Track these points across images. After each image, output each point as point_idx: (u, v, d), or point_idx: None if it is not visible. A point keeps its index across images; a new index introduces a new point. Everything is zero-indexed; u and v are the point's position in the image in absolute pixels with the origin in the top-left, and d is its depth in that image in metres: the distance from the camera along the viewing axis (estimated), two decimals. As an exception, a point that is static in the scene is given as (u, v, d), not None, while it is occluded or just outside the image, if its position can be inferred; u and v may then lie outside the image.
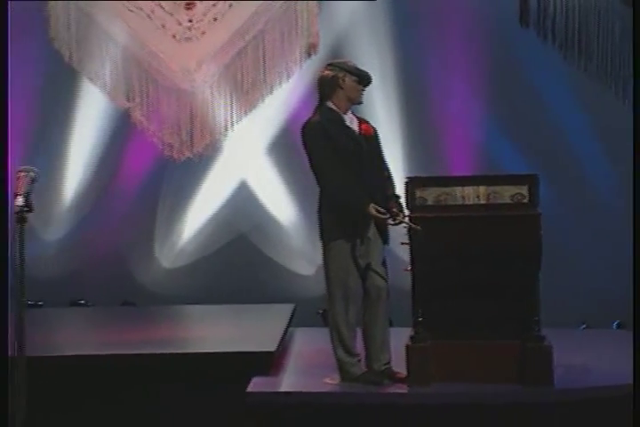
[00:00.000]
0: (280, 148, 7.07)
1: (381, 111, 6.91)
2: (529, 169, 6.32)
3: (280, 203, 7.20)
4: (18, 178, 2.64)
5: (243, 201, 7.17)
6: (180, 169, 7.06)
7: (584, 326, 6.61)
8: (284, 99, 6.91)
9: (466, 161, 7.00)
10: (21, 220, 2.58)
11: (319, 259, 7.30)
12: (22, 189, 2.61)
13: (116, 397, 4.77)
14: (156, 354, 4.96)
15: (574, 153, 6.86)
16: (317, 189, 7.22)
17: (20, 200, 2.58)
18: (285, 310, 6.23)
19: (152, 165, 7.07)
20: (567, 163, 6.84)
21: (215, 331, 5.82)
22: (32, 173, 2.65)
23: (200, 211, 7.20)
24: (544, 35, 6.39)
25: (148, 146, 6.98)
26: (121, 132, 7.01)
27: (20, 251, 2.52)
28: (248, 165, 7.14)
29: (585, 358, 5.13)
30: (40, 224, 7.02)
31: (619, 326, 6.61)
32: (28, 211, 2.59)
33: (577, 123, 6.82)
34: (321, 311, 6.95)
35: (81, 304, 7.03)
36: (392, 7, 6.94)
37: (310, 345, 5.76)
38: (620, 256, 6.07)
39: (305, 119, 7.21)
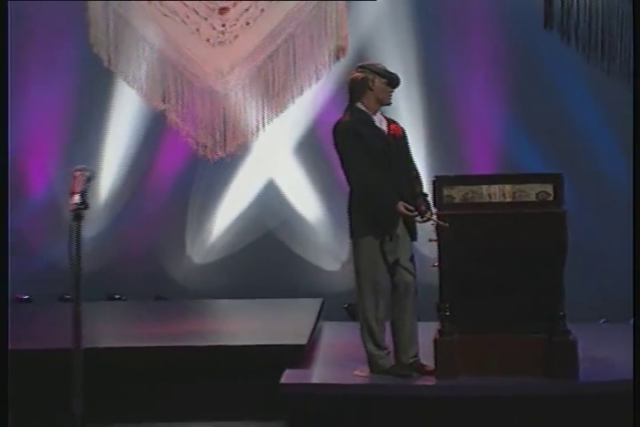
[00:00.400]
0: (306, 148, 7.06)
1: (404, 112, 6.87)
2: (548, 168, 6.31)
3: (306, 201, 7.18)
4: (74, 177, 2.64)
5: (270, 199, 7.15)
6: (210, 169, 7.06)
7: (603, 320, 6.54)
8: (309, 100, 6.89)
9: (486, 160, 6.96)
10: (78, 217, 2.60)
11: (344, 255, 7.39)
12: (79, 188, 2.61)
13: (155, 386, 4.79)
14: (193, 346, 4.98)
15: (593, 152, 6.79)
16: (342, 188, 7.23)
17: (76, 198, 2.58)
18: (314, 305, 6.22)
19: (183, 165, 7.06)
20: (586, 162, 6.77)
21: (246, 325, 5.81)
22: (87, 173, 2.66)
23: (229, 209, 7.19)
24: (567, 37, 6.33)
25: (179, 146, 6.97)
26: (153, 133, 7.00)
27: (77, 247, 2.54)
28: (275, 164, 7.12)
29: (607, 351, 5.08)
30: (77, 222, 7.05)
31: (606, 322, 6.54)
32: (84, 208, 2.59)
33: (596, 122, 6.75)
34: (346, 306, 6.97)
35: (116, 299, 7.04)
36: (415, 10, 6.89)
37: (338, 338, 5.75)
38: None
39: (330, 120, 7.16)
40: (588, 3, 6.30)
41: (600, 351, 5.01)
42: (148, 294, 7.05)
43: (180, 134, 6.69)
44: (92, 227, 7.09)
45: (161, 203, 7.07)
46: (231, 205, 7.18)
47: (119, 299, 7.05)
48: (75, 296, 2.54)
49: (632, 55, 5.82)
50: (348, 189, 7.19)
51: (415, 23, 6.89)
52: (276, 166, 7.12)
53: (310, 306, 6.21)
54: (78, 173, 2.62)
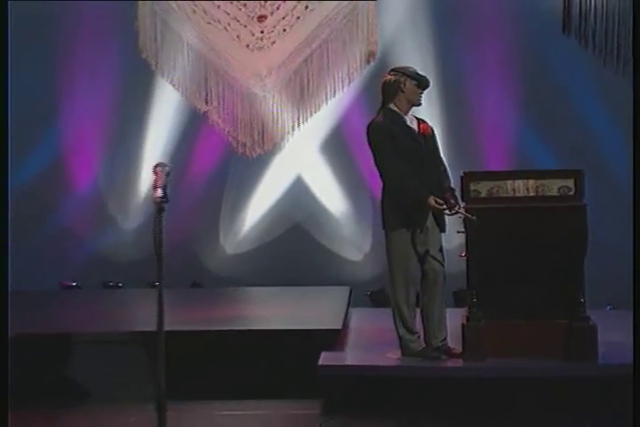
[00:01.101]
0: (332, 146, 7.05)
1: (423, 111, 6.85)
2: (559, 165, 6.28)
3: (331, 195, 7.18)
4: (155, 173, 2.64)
5: (298, 194, 7.15)
6: (242, 166, 7.05)
7: (609, 307, 6.52)
8: (334, 101, 6.88)
9: (499, 156, 6.92)
10: (160, 209, 2.60)
11: (367, 246, 7.40)
12: (160, 183, 2.60)
13: (201, 368, 4.81)
14: (237, 330, 4.99)
15: (602, 150, 6.74)
16: (364, 183, 7.27)
17: (159, 192, 2.58)
18: (343, 292, 6.20)
19: (217, 163, 7.05)
20: (595, 159, 6.73)
21: (281, 311, 5.80)
22: (167, 168, 2.65)
23: (260, 203, 7.18)
24: (585, 42, 6.27)
25: (213, 145, 6.97)
26: (190, 132, 6.99)
27: (159, 237, 2.53)
28: (303, 162, 7.11)
29: (620, 336, 4.94)
30: (120, 215, 7.08)
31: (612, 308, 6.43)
32: (165, 201, 2.59)
33: (605, 122, 6.70)
34: (369, 293, 6.97)
35: (156, 286, 7.01)
36: (433, 15, 6.84)
37: (365, 324, 5.74)
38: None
39: (354, 120, 7.17)
40: (604, 9, 6.25)
41: (613, 336, 4.92)
42: (185, 281, 7.05)
43: (221, 134, 6.68)
44: (134, 219, 7.12)
45: (197, 198, 7.06)
46: (262, 199, 7.17)
47: (120, 286, 7.00)
48: (158, 282, 2.53)
49: (632, 55, 5.73)
50: (369, 184, 7.28)
51: (433, 28, 6.86)
52: (303, 164, 7.11)
53: (339, 294, 6.20)
54: (159, 168, 2.62)
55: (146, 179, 7.10)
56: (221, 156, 7.02)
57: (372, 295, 6.88)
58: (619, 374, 4.49)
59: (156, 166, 2.62)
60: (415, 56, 6.77)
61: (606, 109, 6.68)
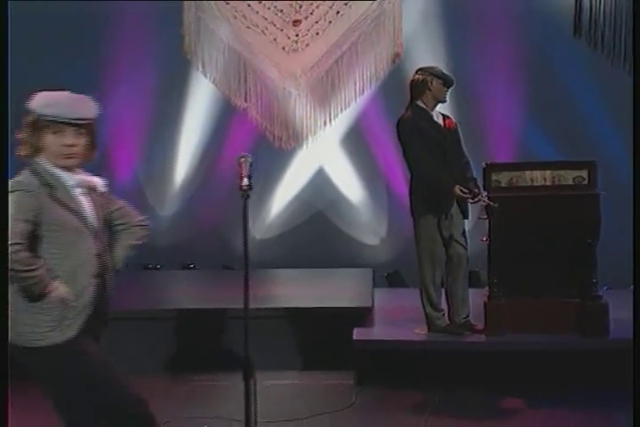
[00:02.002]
0: (351, 140, 7.04)
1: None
2: (560, 158, 6.27)
3: (350, 185, 7.17)
4: (240, 164, 2.64)
5: (320, 184, 7.15)
6: (269, 158, 7.03)
7: (606, 287, 6.49)
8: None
9: (506, 149, 6.90)
10: (246, 196, 2.59)
11: (383, 231, 7.41)
12: (245, 172, 2.60)
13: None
14: (275, 308, 5.00)
15: (600, 143, 6.65)
16: (381, 174, 7.27)
17: (245, 181, 2.57)
18: (366, 274, 6.21)
19: (248, 148, 7.00)
20: (594, 151, 6.70)
21: (310, 290, 5.82)
22: (249, 159, 2.65)
23: (285, 192, 7.18)
24: (594, 44, 6.21)
25: (243, 138, 6.91)
26: (221, 127, 6.98)
27: (245, 221, 2.51)
28: (324, 154, 7.10)
29: (624, 313, 4.80)
30: (156, 202, 7.07)
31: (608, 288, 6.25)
32: (249, 189, 2.59)
33: (604, 118, 6.66)
34: (386, 275, 6.98)
35: (190, 268, 7.05)
36: (445, 19, 6.79)
37: (387, 303, 5.72)
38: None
39: (372, 116, 7.14)
40: (613, 13, 6.19)
41: (618, 313, 4.85)
42: (216, 264, 7.06)
43: (249, 128, 6.65)
44: (169, 206, 7.13)
45: (227, 187, 7.02)
46: (287, 189, 7.17)
47: (193, 268, 7.06)
48: (244, 264, 2.53)
49: (632, 55, 5.68)
50: (385, 175, 7.29)
51: (445, 30, 6.81)
52: (325, 156, 7.10)
53: (362, 275, 6.21)
54: (243, 159, 2.62)
55: (180, 170, 7.13)
56: (250, 148, 6.99)
57: (389, 277, 6.91)
58: (627, 347, 4.51)
59: (240, 158, 2.62)
60: (428, 56, 6.75)
61: (607, 108, 6.64)
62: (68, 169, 2.57)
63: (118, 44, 6.65)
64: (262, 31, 6.37)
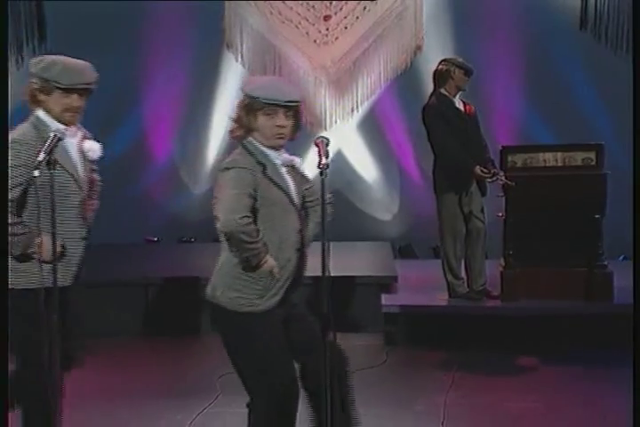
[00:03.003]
0: (367, 124, 7.03)
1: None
2: (556, 139, 6.21)
3: (366, 166, 7.18)
4: (317, 144, 2.60)
5: (338, 165, 7.09)
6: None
7: (623, 256, 6.16)
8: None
9: (507, 134, 6.89)
10: (325, 175, 2.49)
11: (395, 208, 7.43)
12: (323, 152, 2.57)
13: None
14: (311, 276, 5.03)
15: (593, 129, 6.55)
16: (394, 155, 7.27)
17: (324, 160, 2.53)
18: (385, 247, 6.26)
19: None
20: (589, 137, 6.72)
21: (337, 261, 5.79)
22: (326, 141, 2.62)
23: (307, 172, 7.17)
24: (599, 37, 6.25)
25: None
26: None
27: (323, 198, 2.45)
28: (343, 137, 7.09)
29: (621, 282, 4.90)
30: (190, 181, 7.10)
31: (624, 258, 6.30)
32: (327, 167, 2.51)
33: (597, 106, 6.66)
34: (399, 247, 7.02)
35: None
36: (454, 17, 6.70)
37: (404, 272, 5.75)
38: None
39: (385, 102, 7.11)
40: (617, 8, 6.23)
41: (622, 281, 4.72)
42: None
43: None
44: (202, 185, 7.14)
45: None
46: (308, 170, 7.15)
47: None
48: (322, 234, 2.50)
49: (632, 55, 5.68)
50: (397, 157, 7.30)
51: (453, 28, 6.75)
52: (343, 140, 7.10)
53: (382, 247, 6.25)
54: (319, 140, 2.61)
55: (212, 151, 7.12)
56: None
57: (401, 249, 6.96)
58: (629, 312, 4.55)
59: (318, 139, 2.60)
60: (437, 48, 6.75)
61: (601, 95, 6.63)
62: (275, 149, 2.60)
63: (159, 34, 6.62)
64: (296, 26, 6.43)
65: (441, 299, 4.82)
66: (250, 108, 2.54)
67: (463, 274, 4.82)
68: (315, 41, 6.56)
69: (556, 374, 4.16)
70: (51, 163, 2.46)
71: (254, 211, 2.48)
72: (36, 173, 2.41)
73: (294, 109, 2.58)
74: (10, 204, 2.58)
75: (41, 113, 2.69)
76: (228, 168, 2.50)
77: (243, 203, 2.44)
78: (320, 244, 2.39)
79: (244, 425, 3.42)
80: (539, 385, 3.99)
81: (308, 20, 6.48)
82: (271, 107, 2.52)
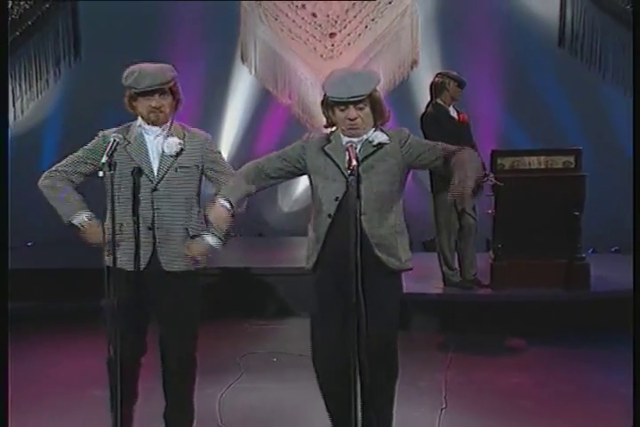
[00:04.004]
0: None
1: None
2: (533, 144, 6.30)
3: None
4: (347, 149, 2.55)
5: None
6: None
7: (591, 250, 6.14)
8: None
9: (489, 138, 6.93)
10: (356, 175, 2.48)
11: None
12: (353, 155, 2.51)
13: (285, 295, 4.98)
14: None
15: (566, 135, 6.66)
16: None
17: (354, 162, 2.47)
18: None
19: (279, 138, 7.00)
20: (560, 141, 6.73)
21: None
22: (355, 145, 2.61)
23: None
24: (575, 53, 6.35)
25: (276, 125, 6.90)
26: (259, 115, 6.98)
27: (353, 196, 2.45)
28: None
29: (604, 272, 5.07)
30: (203, 180, 7.08)
31: (616, 251, 6.42)
32: (357, 168, 2.52)
33: (571, 113, 6.73)
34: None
35: (231, 236, 7.04)
36: (441, 32, 6.78)
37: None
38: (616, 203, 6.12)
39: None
40: (591, 27, 6.35)
41: (598, 271, 4.97)
42: (251, 232, 7.11)
43: (281, 118, 6.74)
44: (211, 188, 7.13)
45: None
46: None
47: (233, 236, 7.04)
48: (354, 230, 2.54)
49: (632, 55, 5.68)
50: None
51: (441, 41, 6.81)
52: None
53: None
54: (349, 145, 2.60)
55: (224, 152, 7.05)
56: (282, 133, 6.96)
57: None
58: (605, 298, 4.73)
59: (348, 144, 2.59)
60: (427, 62, 6.80)
61: (572, 104, 6.69)
62: (354, 136, 2.61)
63: (178, 48, 6.61)
64: (304, 42, 6.53)
65: (436, 287, 4.88)
66: (326, 103, 2.58)
67: (456, 265, 4.89)
68: (321, 55, 6.65)
69: (541, 353, 4.24)
70: (111, 164, 2.54)
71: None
72: (100, 173, 2.49)
73: (364, 102, 2.52)
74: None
75: (139, 119, 2.74)
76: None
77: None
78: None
79: (266, 399, 3.56)
80: (526, 364, 4.08)
81: (315, 37, 6.58)
82: (341, 103, 2.51)
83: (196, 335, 2.78)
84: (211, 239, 2.74)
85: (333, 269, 2.54)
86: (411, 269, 2.71)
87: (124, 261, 2.68)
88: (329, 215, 2.56)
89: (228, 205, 2.55)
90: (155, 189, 2.69)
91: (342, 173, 2.53)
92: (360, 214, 2.50)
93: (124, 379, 2.60)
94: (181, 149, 2.72)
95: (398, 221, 2.62)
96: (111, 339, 2.57)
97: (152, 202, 2.68)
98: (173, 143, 2.71)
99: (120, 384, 2.57)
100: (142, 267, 2.70)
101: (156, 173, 2.70)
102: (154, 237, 2.69)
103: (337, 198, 2.55)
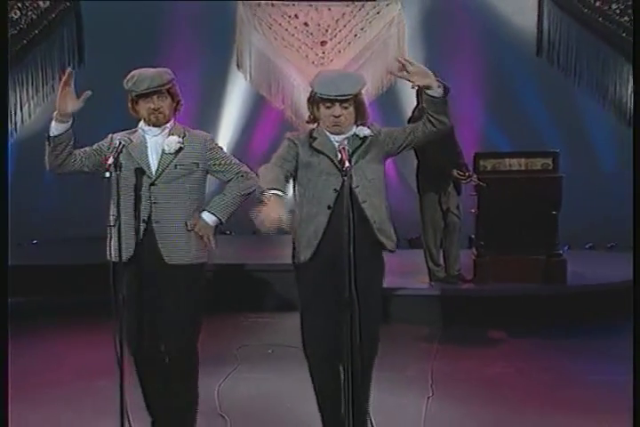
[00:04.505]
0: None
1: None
2: (511, 149, 6.30)
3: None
4: (340, 151, 2.54)
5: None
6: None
7: (567, 246, 6.18)
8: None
9: (471, 142, 6.97)
10: (349, 175, 2.47)
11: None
12: (346, 157, 2.50)
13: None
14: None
15: (542, 138, 6.73)
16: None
17: (346, 163, 2.45)
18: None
19: (273, 139, 6.97)
20: (537, 144, 6.75)
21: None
22: (347, 147, 2.62)
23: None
24: (552, 61, 6.45)
25: (269, 128, 6.92)
26: (253, 120, 7.02)
27: (346, 195, 2.45)
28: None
29: (580, 267, 5.14)
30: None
31: (590, 248, 6.52)
32: (350, 169, 2.49)
33: (545, 117, 6.81)
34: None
35: (227, 234, 6.99)
36: (426, 41, 6.86)
37: (387, 260, 5.83)
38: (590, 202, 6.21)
39: (371, 116, 7.21)
40: (566, 39, 6.45)
41: (574, 267, 5.02)
42: (245, 230, 7.07)
43: (274, 122, 6.76)
44: (211, 184, 7.12)
45: (254, 168, 7.01)
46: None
47: (229, 234, 7.04)
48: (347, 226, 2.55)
49: (632, 56, 5.58)
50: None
51: (426, 51, 6.87)
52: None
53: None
54: (342, 147, 2.56)
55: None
56: (275, 137, 6.96)
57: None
58: (580, 292, 4.79)
59: (340, 146, 2.58)
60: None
61: (548, 110, 6.76)
62: (337, 133, 2.63)
63: (176, 55, 6.62)
64: (297, 49, 6.59)
65: (423, 282, 4.92)
66: (313, 100, 2.60)
67: (441, 261, 4.92)
68: (313, 62, 6.71)
69: (521, 344, 4.29)
70: (117, 165, 2.55)
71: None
72: (107, 174, 2.50)
73: (349, 102, 2.55)
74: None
75: (141, 121, 2.75)
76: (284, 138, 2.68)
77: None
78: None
79: (262, 388, 3.58)
80: (507, 354, 4.12)
81: (307, 45, 6.64)
82: (327, 100, 2.54)
83: (196, 325, 2.77)
84: (206, 216, 2.71)
85: (330, 260, 2.56)
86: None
87: (127, 255, 2.68)
88: (328, 206, 2.59)
89: (280, 193, 2.49)
90: (153, 184, 2.70)
91: (337, 166, 2.57)
92: (361, 203, 2.56)
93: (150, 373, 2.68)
94: (180, 148, 2.72)
95: (387, 204, 2.70)
96: (120, 331, 2.57)
97: (150, 196, 2.69)
98: (173, 141, 2.72)
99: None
100: (144, 260, 2.71)
101: (154, 170, 2.71)
102: (152, 231, 2.70)
103: (335, 190, 2.59)
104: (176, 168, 2.70)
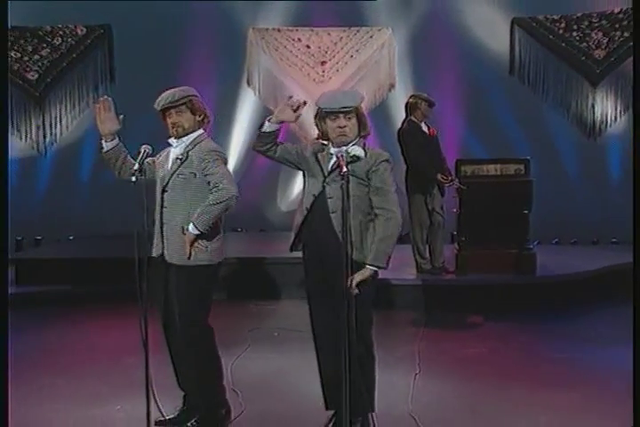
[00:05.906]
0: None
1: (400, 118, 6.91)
2: (487, 154, 6.33)
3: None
4: (339, 157, 2.49)
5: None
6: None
7: (536, 242, 6.01)
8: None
9: (452, 151, 6.92)
10: (347, 179, 2.40)
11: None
12: (344, 162, 2.42)
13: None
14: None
15: (516, 147, 6.62)
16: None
17: (344, 168, 2.36)
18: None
19: None
20: (509, 149, 6.52)
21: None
22: (345, 154, 2.56)
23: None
24: (522, 80, 6.46)
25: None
26: None
27: (344, 198, 2.38)
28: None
29: (542, 260, 5.03)
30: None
31: (557, 243, 6.45)
32: (348, 174, 2.42)
33: (520, 130, 6.76)
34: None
35: (238, 231, 7.08)
36: (413, 59, 6.79)
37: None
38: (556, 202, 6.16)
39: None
40: (535, 60, 6.46)
41: (542, 260, 4.95)
42: (254, 228, 7.10)
43: (297, 136, 6.64)
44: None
45: (263, 171, 6.95)
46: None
47: (240, 231, 7.04)
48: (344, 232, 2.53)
49: (633, 56, 5.32)
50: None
51: (413, 70, 6.83)
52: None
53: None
54: (340, 154, 2.47)
55: (231, 162, 7.03)
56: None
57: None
58: (548, 281, 4.77)
59: (338, 153, 2.50)
60: (400, 86, 6.81)
61: (519, 121, 6.71)
62: (343, 144, 2.59)
63: (195, 70, 6.59)
64: (300, 68, 6.57)
65: (411, 274, 4.90)
66: (320, 115, 2.61)
67: (427, 255, 4.91)
68: (314, 80, 6.69)
69: (496, 328, 4.29)
70: (142, 171, 2.54)
71: None
72: (133, 178, 2.48)
73: (351, 113, 2.55)
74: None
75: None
76: None
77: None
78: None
79: (269, 367, 3.58)
80: (484, 336, 4.13)
81: (309, 65, 6.63)
82: (331, 113, 2.54)
83: (198, 311, 2.72)
84: (190, 227, 2.66)
85: (315, 255, 2.58)
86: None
87: (154, 251, 2.73)
88: (306, 208, 2.60)
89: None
90: (164, 191, 2.71)
91: (323, 173, 2.58)
92: (330, 213, 2.54)
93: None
94: (186, 158, 2.69)
95: (369, 219, 2.60)
96: (144, 316, 2.55)
97: (162, 202, 2.71)
98: (178, 152, 2.73)
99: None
100: (159, 257, 2.74)
101: (167, 178, 2.72)
102: (162, 233, 2.72)
103: (314, 195, 2.59)
104: (178, 177, 2.70)
